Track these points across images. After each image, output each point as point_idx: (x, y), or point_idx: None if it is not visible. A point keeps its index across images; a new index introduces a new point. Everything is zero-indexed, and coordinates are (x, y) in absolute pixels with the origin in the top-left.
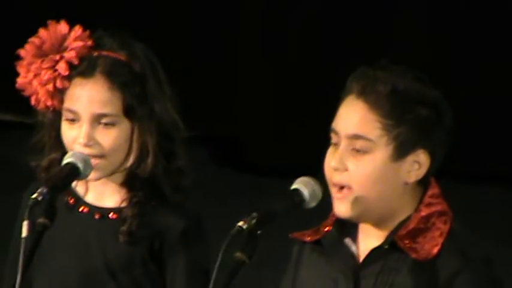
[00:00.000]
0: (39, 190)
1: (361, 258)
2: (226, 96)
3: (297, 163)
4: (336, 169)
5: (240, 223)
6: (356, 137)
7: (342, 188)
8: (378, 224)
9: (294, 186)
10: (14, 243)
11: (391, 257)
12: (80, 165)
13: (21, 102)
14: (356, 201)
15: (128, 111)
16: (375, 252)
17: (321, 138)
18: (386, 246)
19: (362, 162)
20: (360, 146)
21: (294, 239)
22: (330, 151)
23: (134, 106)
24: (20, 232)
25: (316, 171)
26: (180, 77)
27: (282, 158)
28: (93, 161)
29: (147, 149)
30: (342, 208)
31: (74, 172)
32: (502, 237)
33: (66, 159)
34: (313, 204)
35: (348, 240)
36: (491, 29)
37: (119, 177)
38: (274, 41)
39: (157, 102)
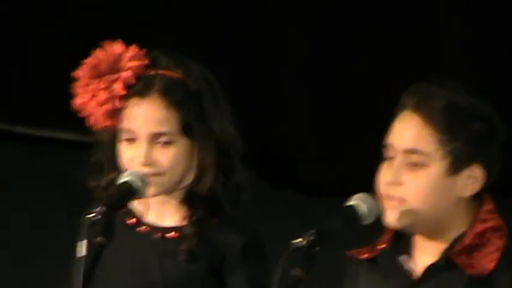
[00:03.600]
0: (96, 209)
1: (417, 275)
2: (277, 115)
3: (346, 183)
4: (391, 183)
5: (298, 239)
6: (412, 151)
7: (395, 200)
8: (432, 239)
9: (351, 203)
10: (73, 264)
11: (447, 273)
12: (137, 183)
13: (81, 121)
14: (407, 212)
15: (185, 129)
16: (431, 269)
17: (371, 158)
18: (442, 263)
19: (418, 176)
20: (416, 160)
21: (350, 256)
22: (384, 166)
23: (191, 124)
24: (79, 252)
25: (368, 190)
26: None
27: (333, 177)
28: (152, 179)
29: (205, 167)
30: (391, 218)
31: (131, 191)
32: None
33: (123, 178)
34: (370, 220)
35: (403, 257)
36: None
37: (179, 195)
38: (321, 59)
39: (215, 119)
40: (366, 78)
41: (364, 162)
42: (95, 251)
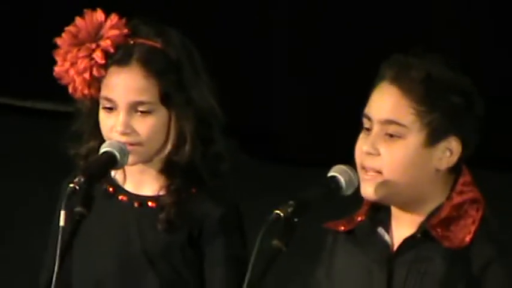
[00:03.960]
0: (76, 179)
1: (395, 247)
2: (262, 89)
3: (328, 154)
4: (368, 153)
5: (277, 211)
6: (389, 122)
7: (371, 171)
8: (409, 211)
9: (330, 174)
10: (53, 232)
11: (424, 245)
12: (117, 154)
13: (60, 90)
14: (384, 184)
15: (165, 99)
16: (408, 241)
17: (353, 128)
18: (419, 235)
19: (394, 148)
20: (392, 131)
21: (327, 228)
22: (362, 136)
23: (171, 93)
24: (58, 221)
25: (349, 161)
26: (216, 69)
27: (314, 149)
28: (130, 148)
29: (184, 136)
30: (368, 190)
31: (111, 161)
32: None
33: (103, 148)
34: (349, 191)
35: (381, 230)
36: None
37: (157, 164)
38: (309, 37)
39: (194, 89)
40: (350, 52)
41: (348, 134)
42: (74, 220)
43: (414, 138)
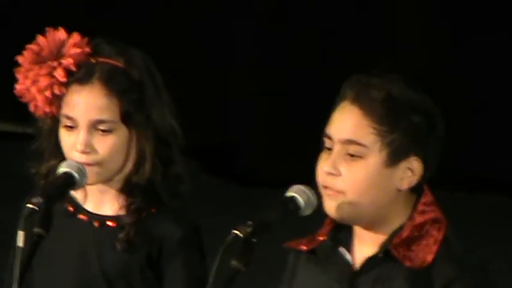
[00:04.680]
0: (34, 200)
1: (357, 266)
2: (219, 106)
3: (288, 173)
4: (328, 173)
5: (236, 231)
6: (349, 142)
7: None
8: (371, 230)
9: (289, 194)
10: (13, 252)
11: (386, 265)
12: (76, 174)
13: (20, 111)
14: (346, 204)
15: (126, 118)
16: (370, 261)
17: (312, 148)
18: (381, 255)
19: (355, 168)
20: (353, 151)
21: (289, 248)
22: (323, 156)
23: (132, 113)
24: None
25: (309, 181)
26: (173, 85)
27: (274, 168)
28: (90, 167)
29: (144, 156)
30: (330, 206)
31: (69, 181)
32: (493, 245)
33: (61, 169)
34: (308, 211)
35: (342, 249)
36: None
37: (117, 184)
38: (267, 52)
39: (155, 108)
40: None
41: (306, 153)
42: (33, 241)
43: (375, 158)
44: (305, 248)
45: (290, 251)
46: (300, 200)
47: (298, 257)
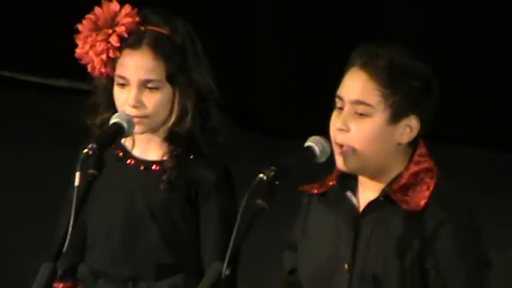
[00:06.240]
0: (89, 146)
1: (361, 209)
2: (249, 71)
3: (307, 127)
4: (340, 129)
5: (261, 175)
6: (358, 102)
7: (343, 145)
8: (374, 178)
9: (306, 144)
10: (70, 192)
11: (385, 208)
12: (125, 124)
13: (79, 70)
14: (354, 156)
15: (170, 78)
16: (372, 204)
17: (327, 106)
18: (381, 199)
19: (363, 125)
20: (361, 110)
21: (303, 191)
22: (335, 114)
23: (175, 74)
24: (73, 182)
25: (324, 133)
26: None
27: (296, 123)
28: (139, 120)
29: (186, 110)
30: (342, 162)
31: (119, 131)
32: (481, 191)
33: (113, 120)
34: (323, 159)
35: (349, 193)
36: None
37: (162, 134)
38: (293, 20)
39: (195, 70)
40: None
41: (322, 110)
42: (87, 181)
43: (380, 117)
44: (316, 191)
45: (303, 193)
46: (316, 149)
47: (311, 199)
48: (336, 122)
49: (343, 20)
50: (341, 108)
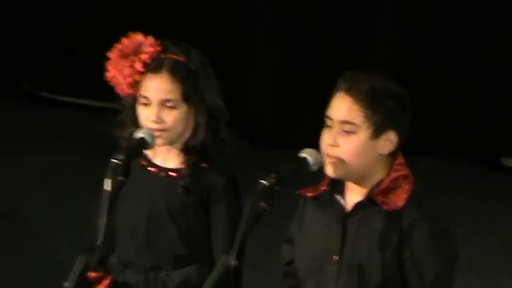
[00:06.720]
0: (117, 156)
1: (348, 209)
2: (240, 85)
3: (301, 139)
4: (330, 145)
5: (263, 181)
6: (345, 122)
7: (333, 158)
8: (359, 183)
9: (302, 155)
10: (100, 196)
11: (369, 208)
12: (148, 138)
13: (110, 91)
14: (342, 166)
15: (186, 98)
16: (358, 205)
17: (317, 122)
18: (366, 201)
19: (349, 140)
20: (348, 129)
21: (299, 194)
22: (326, 131)
23: (190, 94)
24: (104, 187)
25: (316, 146)
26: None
27: (288, 137)
28: (159, 133)
29: (199, 126)
30: (332, 170)
31: (143, 143)
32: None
33: (137, 134)
34: (316, 168)
35: (338, 196)
36: None
37: (179, 146)
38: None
39: (207, 92)
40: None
41: (314, 124)
42: (116, 186)
43: (364, 134)
44: (310, 194)
45: (300, 197)
46: (310, 160)
47: (306, 201)
48: (326, 138)
49: (337, 28)
50: (330, 126)
